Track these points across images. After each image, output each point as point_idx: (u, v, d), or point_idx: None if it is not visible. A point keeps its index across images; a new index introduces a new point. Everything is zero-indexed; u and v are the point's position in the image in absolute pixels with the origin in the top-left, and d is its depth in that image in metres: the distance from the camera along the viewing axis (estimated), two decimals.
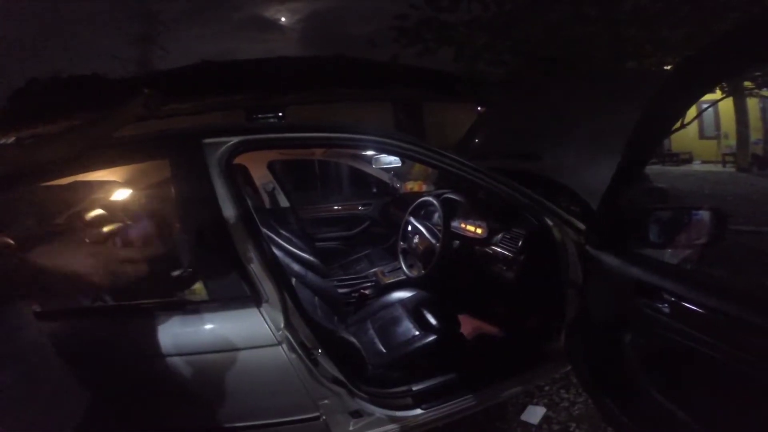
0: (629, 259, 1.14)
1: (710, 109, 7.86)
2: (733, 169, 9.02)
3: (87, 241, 0.80)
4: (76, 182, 1.60)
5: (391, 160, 2.88)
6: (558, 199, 1.55)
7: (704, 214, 1.14)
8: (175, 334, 1.14)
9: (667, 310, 1.00)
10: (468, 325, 2.06)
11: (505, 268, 1.77)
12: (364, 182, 3.44)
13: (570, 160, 1.69)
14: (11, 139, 1.08)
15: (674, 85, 1.08)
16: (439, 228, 2.10)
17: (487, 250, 1.91)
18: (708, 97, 5.80)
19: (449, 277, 2.13)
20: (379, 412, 1.36)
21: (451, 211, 2.14)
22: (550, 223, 1.49)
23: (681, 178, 8.07)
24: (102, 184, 1.86)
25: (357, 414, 1.34)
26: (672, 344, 1.01)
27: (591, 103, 1.94)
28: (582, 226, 1.45)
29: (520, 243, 1.71)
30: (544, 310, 1.67)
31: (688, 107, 1.18)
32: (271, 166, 3.01)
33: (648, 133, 1.12)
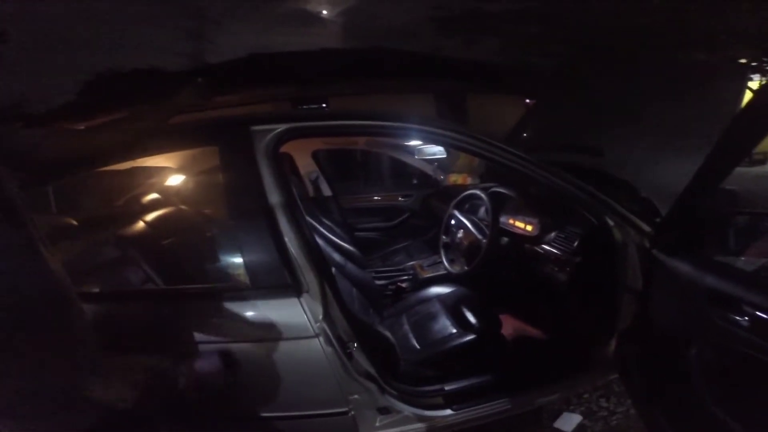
0: (704, 267, 1.04)
1: None
2: None
3: None
4: (134, 167, 1.68)
5: (435, 151, 2.81)
6: (617, 196, 1.43)
7: None
8: (214, 320, 1.16)
9: (746, 323, 0.90)
10: (509, 326, 1.98)
11: (557, 269, 1.66)
12: (405, 173, 3.39)
13: (635, 155, 1.56)
14: (81, 126, 1.15)
15: None
16: (485, 223, 2.02)
17: (537, 249, 1.81)
18: None
19: (493, 275, 2.05)
20: (408, 410, 1.34)
21: (499, 205, 2.04)
22: (611, 222, 1.37)
23: (754, 180, 7.34)
24: (157, 169, 1.95)
25: (385, 410, 1.32)
26: (749, 361, 0.90)
27: (657, 96, 1.79)
28: (646, 227, 1.33)
29: (575, 243, 1.60)
30: (595, 315, 1.56)
31: None
32: (315, 155, 3.03)
33: (743, 133, 0.99)
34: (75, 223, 1.54)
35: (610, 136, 1.85)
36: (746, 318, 0.91)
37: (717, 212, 1.19)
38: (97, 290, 1.39)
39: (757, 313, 0.89)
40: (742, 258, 1.14)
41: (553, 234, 1.75)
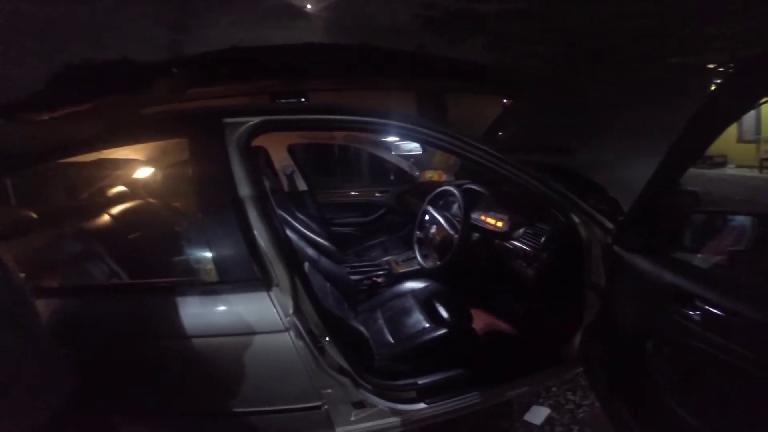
0: (661, 263, 1.09)
1: (751, 112, 7.44)
2: None
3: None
4: (101, 159, 1.62)
5: (412, 148, 2.83)
6: (585, 195, 1.48)
7: (746, 220, 1.08)
8: (182, 315, 1.14)
9: (698, 318, 0.95)
10: (480, 321, 2.02)
11: (524, 264, 1.71)
12: (382, 169, 3.41)
13: (607, 155, 1.62)
14: (45, 117, 1.10)
15: (731, 88, 1.00)
16: (458, 219, 2.05)
17: (507, 244, 1.85)
18: None
19: (465, 270, 2.09)
20: (382, 404, 1.35)
21: (471, 202, 2.08)
22: (576, 220, 1.42)
23: (713, 182, 7.72)
24: (125, 161, 1.89)
25: (359, 405, 1.33)
26: (702, 355, 0.96)
27: (632, 99, 1.86)
28: (610, 225, 1.39)
29: (543, 239, 1.65)
30: (561, 309, 1.62)
31: (745, 112, 1.09)
32: (291, 149, 3.01)
33: (697, 136, 1.04)
34: (36, 216, 1.48)
35: (586, 137, 1.91)
36: (698, 313, 0.94)
37: (676, 211, 1.24)
38: (60, 285, 1.35)
39: (707, 307, 0.92)
40: (699, 255, 1.18)
41: (522, 230, 1.79)
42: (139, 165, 1.94)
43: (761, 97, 0.98)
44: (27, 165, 1.35)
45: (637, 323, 1.21)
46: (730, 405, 0.94)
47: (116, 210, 1.69)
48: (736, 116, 1.04)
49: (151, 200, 1.92)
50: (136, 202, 1.84)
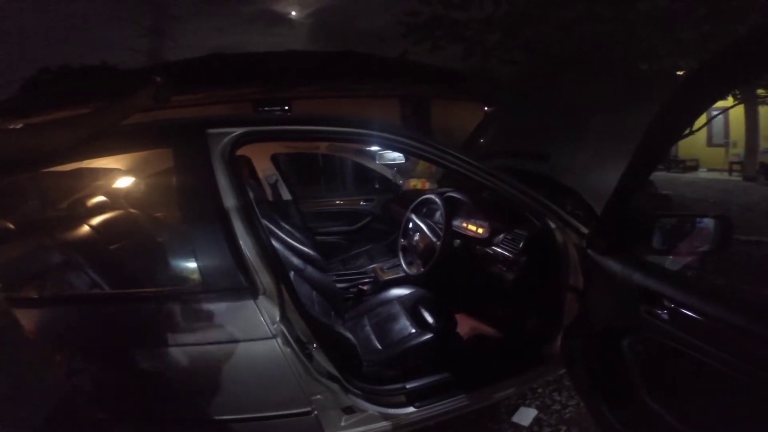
0: (631, 265, 1.13)
1: (720, 117, 7.78)
2: (739, 178, 8.93)
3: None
4: (80, 169, 1.60)
5: (395, 157, 2.87)
6: (562, 201, 1.53)
7: (710, 222, 1.14)
8: (169, 323, 1.14)
9: (665, 316, 1.00)
10: (465, 325, 2.05)
11: (504, 269, 1.76)
12: (367, 178, 3.44)
13: (579, 161, 1.67)
14: (19, 125, 1.07)
15: (687, 90, 1.06)
16: (440, 226, 2.09)
17: (487, 250, 1.90)
18: (719, 104, 5.75)
19: (448, 276, 2.13)
20: (372, 408, 1.36)
21: (453, 209, 2.13)
22: (552, 225, 1.48)
23: (686, 186, 8.02)
24: (106, 171, 1.87)
25: (349, 410, 1.34)
26: (669, 351, 1.00)
27: (603, 104, 1.92)
28: (585, 229, 1.44)
29: (521, 244, 1.70)
30: (542, 312, 1.66)
31: (701, 113, 1.15)
32: (274, 159, 3.01)
33: (658, 139, 1.10)
34: (13, 227, 1.46)
35: (561, 143, 1.96)
36: (666, 311, 0.99)
37: (646, 214, 1.29)
38: (43, 295, 1.33)
39: (673, 306, 0.97)
40: (670, 257, 1.23)
41: (501, 236, 1.84)
42: (120, 175, 1.92)
43: (718, 98, 1.03)
44: (2, 174, 1.32)
45: (612, 323, 1.24)
46: (699, 399, 0.99)
47: (97, 220, 1.67)
48: (694, 117, 1.09)
49: (133, 210, 1.90)
50: (118, 212, 1.82)
